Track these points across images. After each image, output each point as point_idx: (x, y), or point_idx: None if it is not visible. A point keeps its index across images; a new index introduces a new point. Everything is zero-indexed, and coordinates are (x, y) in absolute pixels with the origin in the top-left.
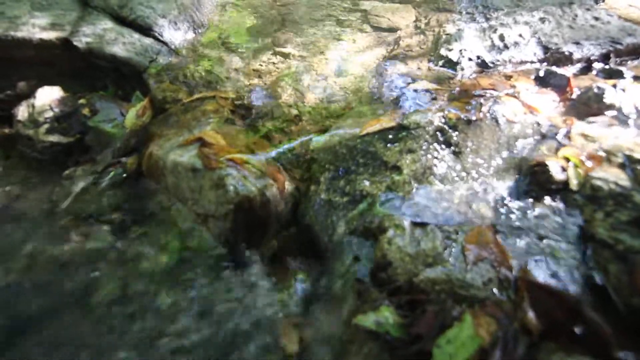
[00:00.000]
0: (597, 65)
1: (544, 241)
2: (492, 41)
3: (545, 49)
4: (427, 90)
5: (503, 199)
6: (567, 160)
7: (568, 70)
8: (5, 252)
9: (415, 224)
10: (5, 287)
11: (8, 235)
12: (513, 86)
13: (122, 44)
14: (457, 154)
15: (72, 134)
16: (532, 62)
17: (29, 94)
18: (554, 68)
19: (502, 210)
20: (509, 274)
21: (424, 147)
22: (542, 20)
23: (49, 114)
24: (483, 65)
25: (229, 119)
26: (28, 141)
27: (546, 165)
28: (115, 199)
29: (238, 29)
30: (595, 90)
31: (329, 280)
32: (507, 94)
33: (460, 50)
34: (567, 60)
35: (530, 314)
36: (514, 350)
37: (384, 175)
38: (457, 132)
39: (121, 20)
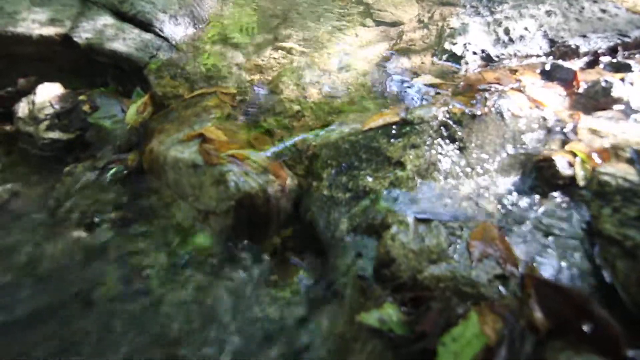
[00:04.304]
0: (605, 59)
1: (551, 238)
2: (497, 35)
3: (552, 42)
4: (431, 85)
5: (508, 194)
6: (574, 155)
7: (575, 64)
8: (5, 250)
9: (419, 220)
10: (5, 284)
11: (8, 233)
12: (519, 80)
13: (123, 39)
14: (461, 149)
15: (72, 131)
16: (538, 55)
17: (29, 90)
18: (560, 62)
19: (508, 206)
20: (515, 270)
21: (428, 143)
22: (548, 13)
23: (49, 110)
24: (488, 59)
25: (230, 115)
26: (28, 138)
27: (552, 160)
28: (116, 196)
29: (239, 24)
30: (603, 84)
31: (331, 277)
32: (512, 88)
33: (465, 44)
34: (574, 53)
35: (537, 312)
36: (520, 348)
37: (387, 171)
38: (461, 127)
39: (121, 16)
